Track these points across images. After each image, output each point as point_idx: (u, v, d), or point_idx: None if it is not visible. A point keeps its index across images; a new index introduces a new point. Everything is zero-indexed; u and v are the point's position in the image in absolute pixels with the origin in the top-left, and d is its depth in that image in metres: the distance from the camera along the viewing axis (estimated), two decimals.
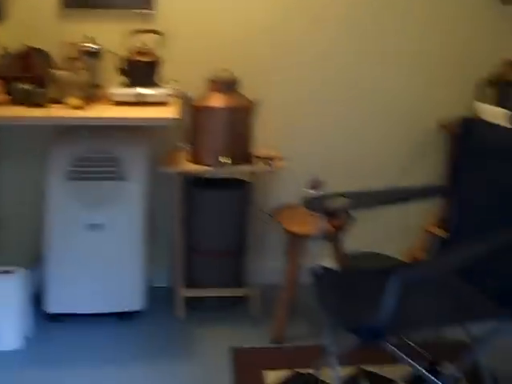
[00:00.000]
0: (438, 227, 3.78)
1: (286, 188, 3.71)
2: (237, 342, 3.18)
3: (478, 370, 2.66)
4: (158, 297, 3.59)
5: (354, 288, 2.66)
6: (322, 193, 3.26)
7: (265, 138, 3.61)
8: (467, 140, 2.79)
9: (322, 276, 2.68)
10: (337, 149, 3.80)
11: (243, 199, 3.49)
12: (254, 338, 3.24)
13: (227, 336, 3.25)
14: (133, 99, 3.19)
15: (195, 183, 3.52)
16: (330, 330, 2.61)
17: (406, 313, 2.42)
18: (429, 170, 3.82)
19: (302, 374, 2.92)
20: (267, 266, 3.74)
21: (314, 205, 2.77)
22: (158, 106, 3.19)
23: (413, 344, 2.94)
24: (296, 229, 3.20)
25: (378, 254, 3.60)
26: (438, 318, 2.48)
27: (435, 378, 2.43)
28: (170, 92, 3.27)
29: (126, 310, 3.30)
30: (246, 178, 3.57)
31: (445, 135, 3.78)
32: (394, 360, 2.87)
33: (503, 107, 3.53)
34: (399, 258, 3.72)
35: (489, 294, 2.53)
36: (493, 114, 3.43)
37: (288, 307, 3.21)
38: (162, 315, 3.43)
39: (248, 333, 3.29)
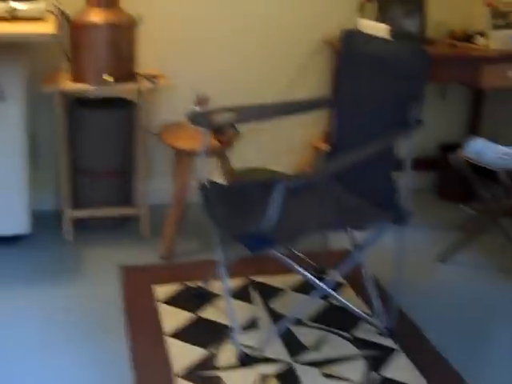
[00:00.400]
0: (324, 142, 3.86)
1: (172, 106, 3.68)
2: (126, 261, 3.18)
3: (360, 275, 2.77)
4: (46, 220, 3.53)
5: (240, 199, 2.70)
6: (207, 108, 3.26)
7: (149, 56, 3.55)
8: (347, 52, 2.83)
9: (209, 189, 2.70)
10: (223, 64, 3.77)
11: (128, 118, 3.44)
12: (144, 256, 3.25)
13: (117, 255, 3.24)
14: (6, 14, 3.04)
15: (78, 103, 3.43)
16: (218, 241, 2.66)
17: (291, 220, 2.49)
18: (315, 83, 3.87)
19: (191, 287, 2.96)
20: (156, 186, 3.74)
21: (199, 120, 2.77)
22: (33, 22, 3.06)
23: (300, 254, 3.04)
24: (182, 145, 3.20)
25: (265, 169, 3.64)
26: (321, 223, 2.56)
27: (321, 283, 2.52)
28: (47, 7, 3.14)
29: (11, 233, 3.23)
30: (130, 98, 3.51)
31: (329, 49, 3.82)
32: (282, 270, 2.99)
33: (383, 22, 3.60)
34: (286, 173, 3.79)
35: (370, 201, 2.63)
36: (374, 28, 3.49)
37: (176, 224, 3.22)
38: (49, 238, 3.37)
39: (137, 252, 3.30)
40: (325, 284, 2.54)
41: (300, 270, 2.53)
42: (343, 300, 2.64)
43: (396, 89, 2.57)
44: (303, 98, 3.57)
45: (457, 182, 4.01)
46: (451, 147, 4.03)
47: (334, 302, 2.83)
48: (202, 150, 2.77)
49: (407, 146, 2.55)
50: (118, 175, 3.45)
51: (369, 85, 2.70)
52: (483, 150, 3.30)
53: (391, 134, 2.51)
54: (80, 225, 3.45)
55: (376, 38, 2.81)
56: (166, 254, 3.23)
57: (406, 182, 2.57)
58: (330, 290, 2.56)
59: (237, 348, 2.49)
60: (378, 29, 3.51)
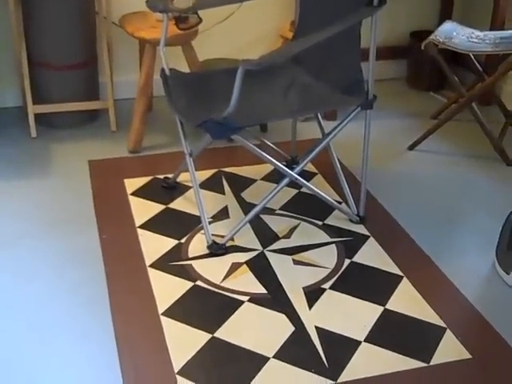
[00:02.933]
0: (291, 31, 3.76)
1: None
2: (95, 156, 3.13)
3: (330, 164, 2.76)
4: (9, 118, 3.44)
5: (203, 88, 2.64)
6: None
7: None
8: None
9: (171, 78, 2.63)
10: None
11: (88, 7, 3.29)
12: (113, 150, 3.19)
13: (85, 151, 3.18)
14: None
15: None
16: (182, 131, 2.61)
17: (255, 106, 2.45)
18: None
19: (160, 179, 2.93)
20: (122, 79, 3.64)
21: (157, 6, 2.66)
22: None
23: (271, 144, 3.01)
24: (145, 35, 3.09)
25: (232, 59, 3.55)
26: (287, 109, 2.52)
27: (292, 172, 2.51)
28: None
29: None
30: None
31: None
32: (254, 161, 2.96)
33: None
34: None
35: (336, 88, 2.58)
36: None
37: (143, 116, 3.15)
38: (14, 135, 3.29)
39: (106, 146, 3.24)
40: (296, 173, 2.53)
41: (270, 159, 2.50)
42: (314, 188, 2.63)
43: None
44: None
45: (427, 70, 3.95)
46: (423, 34, 3.95)
47: (305, 190, 2.83)
48: (163, 38, 2.67)
49: (372, 30, 2.48)
50: (81, 67, 3.34)
51: None
52: (453, 32, 3.24)
53: (353, 15, 2.43)
54: (45, 121, 3.36)
55: None
56: (134, 147, 3.17)
57: (371, 65, 2.51)
58: (300, 178, 2.55)
59: (207, 237, 2.49)
60: None
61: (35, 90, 3.30)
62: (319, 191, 2.65)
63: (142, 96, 3.15)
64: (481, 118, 3.20)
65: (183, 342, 2.06)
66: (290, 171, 2.51)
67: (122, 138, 3.29)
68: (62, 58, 3.28)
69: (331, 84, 2.60)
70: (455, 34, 3.23)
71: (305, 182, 2.59)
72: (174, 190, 2.86)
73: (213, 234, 2.52)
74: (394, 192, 2.93)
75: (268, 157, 2.50)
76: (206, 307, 2.20)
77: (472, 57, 3.36)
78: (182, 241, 2.53)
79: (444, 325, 2.17)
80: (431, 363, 2.02)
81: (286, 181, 2.51)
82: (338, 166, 2.76)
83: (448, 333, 2.14)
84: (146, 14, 3.27)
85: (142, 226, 2.61)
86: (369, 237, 2.60)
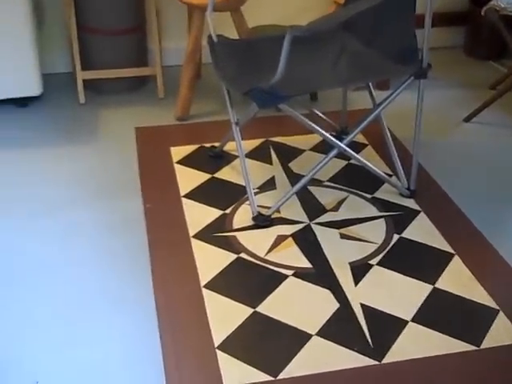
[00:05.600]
0: None
1: None
2: (142, 123, 3.09)
3: (381, 135, 2.66)
4: (59, 83, 3.43)
5: (252, 55, 2.56)
6: None
7: None
8: None
9: (218, 44, 2.56)
10: None
11: None
12: (160, 117, 3.15)
13: (132, 117, 3.15)
14: None
15: None
16: (229, 99, 2.54)
17: (304, 75, 2.36)
18: None
19: (207, 147, 2.88)
20: (171, 46, 3.58)
21: None
22: None
23: (320, 114, 2.92)
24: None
25: (283, 26, 3.45)
26: (337, 78, 2.43)
27: (341, 143, 2.42)
28: None
29: (23, 95, 3.13)
30: None
31: None
32: (302, 131, 2.88)
33: None
34: None
35: (389, 56, 2.47)
36: None
37: (191, 84, 3.10)
38: (62, 101, 3.28)
39: (153, 113, 3.20)
40: (345, 144, 2.44)
41: (319, 129, 2.42)
42: (364, 160, 2.54)
43: None
44: None
45: (487, 37, 3.79)
46: (482, 0, 3.78)
47: (355, 162, 2.73)
48: (210, 3, 2.60)
49: None
50: (129, 33, 3.29)
51: None
52: None
53: None
54: (93, 87, 3.34)
55: None
56: (181, 115, 3.12)
57: (427, 33, 2.39)
58: (349, 150, 2.46)
59: (252, 208, 2.43)
60: None
61: (83, 55, 3.27)
62: (369, 163, 2.56)
63: (189, 62, 3.09)
64: None
65: (224, 315, 2.01)
66: (338, 142, 2.43)
67: (170, 105, 3.24)
68: (110, 23, 3.23)
69: (383, 51, 2.49)
70: None
71: (354, 153, 2.51)
72: (221, 159, 2.81)
73: (258, 205, 2.46)
74: (447, 166, 2.82)
75: (316, 127, 2.41)
76: (249, 281, 2.15)
77: None
78: (227, 211, 2.48)
79: (497, 306, 2.08)
80: (482, 347, 1.94)
81: (334, 152, 2.43)
82: (389, 137, 2.66)
83: (501, 315, 2.05)
84: None
85: (187, 196, 2.56)
86: (419, 212, 2.51)
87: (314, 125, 2.40)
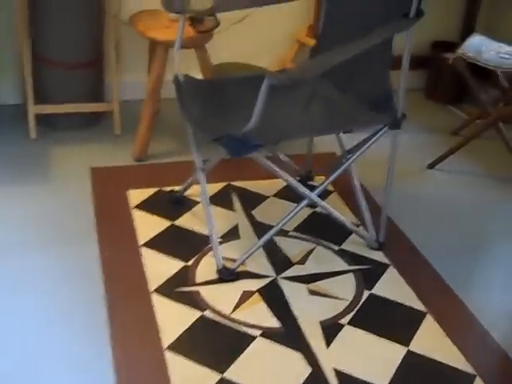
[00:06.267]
0: (309, 36, 3.59)
1: None
2: (98, 162, 2.94)
3: (348, 182, 2.57)
4: (7, 117, 3.25)
5: (219, 97, 2.45)
6: None
7: None
8: None
9: (185, 84, 2.44)
10: None
11: (97, 4, 3.10)
12: (116, 156, 3.01)
13: (87, 156, 2.99)
14: None
15: None
16: (194, 142, 2.43)
17: (276, 122, 2.27)
18: None
19: (167, 191, 2.75)
20: (129, 80, 3.45)
21: (174, 6, 2.47)
22: None
23: (284, 157, 2.83)
24: (156, 35, 2.90)
25: (246, 64, 3.36)
26: (310, 127, 2.34)
27: (307, 190, 2.33)
28: None
29: None
30: None
31: None
32: (265, 175, 2.76)
33: None
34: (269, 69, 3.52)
35: (362, 103, 2.40)
36: None
37: (151, 122, 2.96)
38: (11, 136, 3.09)
39: (109, 152, 3.05)
40: (311, 191, 2.34)
41: (284, 175, 2.31)
42: (332, 210, 2.45)
43: None
44: None
45: (447, 82, 3.77)
46: (445, 45, 3.77)
47: (321, 210, 2.64)
48: (178, 40, 2.49)
49: (406, 41, 2.30)
50: (86, 66, 3.14)
51: None
52: (482, 47, 3.06)
53: (389, 27, 2.25)
54: (46, 121, 3.17)
55: None
56: (139, 155, 2.99)
57: (402, 81, 2.33)
58: (316, 198, 2.36)
59: (217, 261, 2.31)
60: None
61: (36, 87, 3.10)
62: (337, 213, 2.46)
63: (150, 100, 2.96)
64: (507, 138, 3.03)
65: (190, 381, 1.88)
66: (309, 193, 2.33)
67: (127, 142, 3.09)
68: (67, 55, 3.08)
69: (357, 98, 2.42)
70: (484, 49, 3.04)
71: (325, 204, 2.42)
72: (181, 204, 2.68)
73: (223, 257, 2.33)
74: (413, 215, 2.76)
75: (286, 176, 2.31)
76: (215, 342, 2.02)
77: (499, 73, 3.18)
78: (189, 263, 2.34)
79: (473, 371, 2.00)
80: None
81: (304, 203, 2.33)
82: (359, 186, 2.57)
83: (478, 381, 1.96)
84: (158, 13, 3.08)
85: (147, 244, 2.42)
86: (389, 266, 2.42)
87: (280, 171, 2.30)
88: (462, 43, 3.06)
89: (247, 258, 2.32)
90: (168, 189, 2.76)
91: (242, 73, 3.18)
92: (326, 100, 2.45)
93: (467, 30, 3.84)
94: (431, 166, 3.13)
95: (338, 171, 2.37)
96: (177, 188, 2.73)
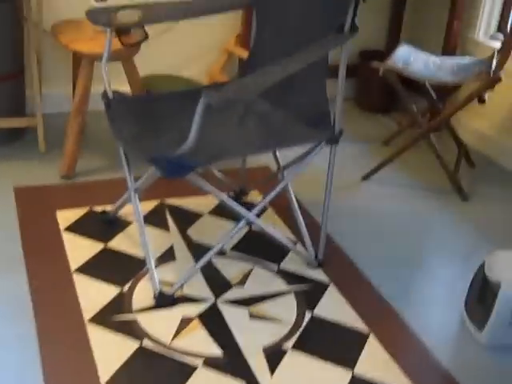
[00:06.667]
0: (238, 46, 3.53)
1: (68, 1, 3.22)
2: (22, 181, 2.80)
3: (284, 197, 2.53)
4: None
5: (151, 113, 2.37)
6: (110, 3, 2.85)
7: None
8: None
9: (115, 101, 2.34)
10: None
11: (13, 13, 2.95)
12: (42, 174, 2.87)
13: (10, 175, 2.85)
14: None
15: None
16: (126, 162, 2.33)
17: (211, 141, 2.19)
18: None
19: (97, 212, 2.63)
20: (51, 92, 3.31)
21: (100, 18, 2.36)
22: None
23: (217, 173, 2.76)
24: (81, 48, 2.78)
25: (175, 76, 3.28)
26: (246, 146, 2.27)
27: (242, 207, 2.27)
28: None
29: None
30: None
31: None
32: (199, 192, 2.70)
33: None
34: (197, 80, 3.45)
35: (299, 117, 2.36)
36: None
37: (78, 137, 2.84)
38: None
39: (34, 169, 2.91)
40: (248, 209, 2.28)
41: (218, 193, 2.23)
42: (268, 228, 2.40)
43: None
44: None
45: (376, 91, 3.79)
46: (372, 54, 3.78)
47: (257, 228, 2.59)
48: (105, 55, 2.38)
49: (341, 56, 2.28)
50: (6, 79, 2.99)
51: None
52: (410, 58, 3.07)
53: (325, 43, 2.21)
54: None
55: None
56: (67, 172, 2.86)
57: (339, 98, 2.31)
58: (254, 218, 2.30)
59: (153, 286, 2.22)
60: None
61: None
62: (274, 231, 2.41)
63: (77, 116, 2.84)
64: (438, 151, 3.05)
65: None
66: (246, 212, 2.26)
67: (53, 159, 2.97)
68: None
69: (293, 112, 2.37)
70: (412, 60, 3.06)
71: (262, 224, 2.36)
72: (114, 224, 2.57)
73: (158, 281, 2.25)
74: (350, 230, 2.73)
75: (221, 194, 2.23)
76: (154, 375, 1.93)
77: (427, 84, 3.20)
78: (125, 289, 2.25)
79: None
80: None
81: (242, 224, 2.27)
82: (295, 202, 2.53)
83: None
84: (82, 23, 2.97)
85: (79, 270, 2.31)
86: (328, 285, 2.39)
87: (218, 192, 2.23)
88: (391, 54, 3.06)
89: (185, 282, 2.24)
90: (99, 208, 2.65)
91: (171, 85, 3.10)
92: (261, 116, 2.39)
93: (393, 39, 3.88)
94: (365, 178, 3.12)
95: (276, 190, 2.31)
96: (108, 207, 2.63)
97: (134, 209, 2.30)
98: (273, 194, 2.32)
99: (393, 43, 3.90)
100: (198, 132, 1.93)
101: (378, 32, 3.94)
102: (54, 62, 3.28)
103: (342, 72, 2.29)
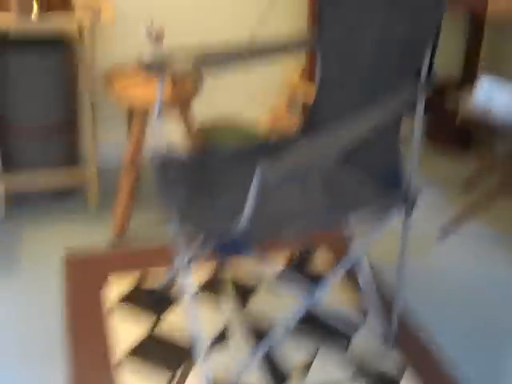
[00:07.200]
0: (303, 79, 3.29)
1: (121, 45, 3.04)
2: (73, 242, 2.63)
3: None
4: None
5: (205, 177, 2.11)
6: (163, 48, 2.65)
7: None
8: None
9: (165, 162, 2.12)
10: None
11: (65, 63, 2.79)
12: (94, 233, 2.70)
13: (61, 235, 2.68)
14: None
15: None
16: (177, 230, 2.10)
17: (272, 211, 1.92)
18: (290, 19, 3.25)
19: (149, 284, 2.43)
20: (107, 142, 3.15)
21: (154, 68, 2.14)
22: None
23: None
24: (135, 99, 2.58)
25: (234, 125, 3.04)
26: (310, 214, 1.99)
27: (305, 280, 2.00)
28: None
29: None
30: (67, 35, 2.84)
31: None
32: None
33: None
34: (260, 122, 3.22)
35: (369, 177, 2.08)
36: None
37: (131, 194, 2.65)
38: None
39: (86, 228, 2.74)
40: (311, 281, 2.02)
41: (276, 266, 1.98)
42: (334, 309, 2.14)
43: (404, 25, 1.97)
44: (277, 33, 2.95)
45: (451, 125, 3.46)
46: (445, 83, 3.47)
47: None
48: (156, 109, 2.16)
49: (418, 105, 2.00)
50: (58, 132, 2.83)
51: (364, 19, 2.10)
52: (493, 95, 2.72)
53: (400, 97, 1.92)
54: (15, 197, 2.85)
55: None
56: (119, 231, 2.67)
57: (415, 154, 2.03)
58: (317, 300, 2.05)
59: (205, 376, 2.00)
60: None
61: (4, 158, 2.79)
62: (341, 310, 2.15)
63: (128, 172, 2.65)
64: None
65: None
66: (311, 297, 1.99)
67: (105, 216, 2.80)
68: (35, 122, 2.77)
69: (359, 173, 2.09)
70: (495, 99, 2.72)
71: (327, 308, 2.11)
72: (165, 300, 2.35)
73: (209, 370, 2.02)
74: (424, 298, 2.44)
75: (281, 269, 1.99)
76: None
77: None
78: (174, 381, 2.03)
79: None
80: None
81: (304, 305, 2.01)
82: (369, 274, 2.24)
83: None
84: (136, 70, 2.78)
85: (124, 357, 2.10)
86: (404, 370, 2.11)
87: (276, 267, 1.98)
88: (469, 89, 2.73)
89: (241, 370, 2.01)
90: (151, 278, 2.45)
91: (229, 136, 2.87)
92: (325, 178, 2.12)
93: (469, 65, 3.56)
94: (443, 234, 2.81)
95: (344, 265, 2.04)
96: (160, 276, 2.42)
97: (185, 286, 2.08)
98: (341, 269, 2.04)
99: (470, 70, 3.58)
100: (254, 209, 1.69)
101: (452, 57, 3.61)
102: (111, 109, 3.10)
103: (418, 124, 2.01)
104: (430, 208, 2.99)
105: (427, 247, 2.75)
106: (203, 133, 2.85)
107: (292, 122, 3.29)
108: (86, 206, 2.89)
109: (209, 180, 2.15)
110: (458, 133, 3.49)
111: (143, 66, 2.16)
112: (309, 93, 3.16)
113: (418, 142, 2.03)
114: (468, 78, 3.57)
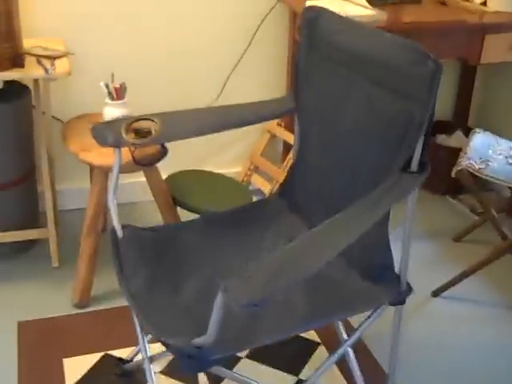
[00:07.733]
0: (279, 126, 3.09)
1: (80, 94, 2.79)
2: (28, 310, 2.38)
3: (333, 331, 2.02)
4: None
5: (169, 258, 1.86)
6: (123, 107, 2.40)
7: (46, 27, 2.65)
8: (310, 35, 1.97)
9: (125, 241, 1.86)
10: (148, 43, 2.87)
11: (20, 112, 2.54)
12: (52, 299, 2.45)
13: (15, 299, 2.44)
14: None
15: None
16: (139, 324, 1.85)
17: (243, 321, 1.66)
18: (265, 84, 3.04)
19: (113, 358, 2.17)
20: (68, 188, 2.91)
21: (108, 138, 1.87)
22: None
23: None
24: (92, 158, 2.34)
25: (205, 172, 2.77)
26: (290, 321, 1.72)
27: None
28: None
29: None
30: (22, 83, 2.59)
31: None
32: None
33: None
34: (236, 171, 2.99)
35: (353, 274, 1.83)
36: None
37: (92, 260, 2.39)
38: None
39: (43, 293, 2.48)
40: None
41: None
42: None
43: (392, 106, 1.72)
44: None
45: (444, 170, 3.23)
46: (437, 125, 3.26)
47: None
48: (112, 183, 1.89)
49: (409, 200, 1.77)
50: (14, 184, 2.57)
51: (346, 92, 1.86)
52: (488, 150, 2.52)
53: (391, 195, 1.68)
54: None
55: (354, 24, 1.92)
56: (80, 300, 2.42)
57: (404, 249, 1.80)
58: None
59: None
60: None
61: None
62: None
63: (90, 233, 2.39)
64: None
65: None
66: None
67: (66, 275, 2.54)
68: None
69: (345, 268, 1.84)
70: (491, 154, 2.51)
71: None
72: (130, 376, 2.11)
73: None
74: (419, 367, 2.21)
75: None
76: None
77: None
78: None
79: None
80: None
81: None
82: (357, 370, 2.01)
83: None
84: (94, 117, 2.52)
85: None
86: None
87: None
88: (465, 149, 2.52)
89: None
90: (115, 352, 2.19)
91: (200, 202, 2.54)
92: (314, 279, 1.84)
93: (461, 107, 3.41)
94: (436, 294, 2.58)
95: (331, 359, 1.80)
96: (126, 350, 2.17)
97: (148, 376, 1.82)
98: (328, 363, 1.79)
99: (461, 112, 3.43)
100: (219, 325, 1.43)
101: (444, 99, 3.41)
102: (66, 161, 2.83)
103: (410, 222, 1.78)
104: (421, 262, 2.75)
105: (420, 307, 2.52)
106: (169, 182, 2.58)
107: (267, 168, 3.08)
108: (46, 262, 2.62)
109: (174, 260, 1.88)
110: (450, 176, 3.27)
111: (97, 136, 1.88)
112: (288, 140, 2.95)
113: (409, 233, 1.80)
114: (459, 122, 3.43)
